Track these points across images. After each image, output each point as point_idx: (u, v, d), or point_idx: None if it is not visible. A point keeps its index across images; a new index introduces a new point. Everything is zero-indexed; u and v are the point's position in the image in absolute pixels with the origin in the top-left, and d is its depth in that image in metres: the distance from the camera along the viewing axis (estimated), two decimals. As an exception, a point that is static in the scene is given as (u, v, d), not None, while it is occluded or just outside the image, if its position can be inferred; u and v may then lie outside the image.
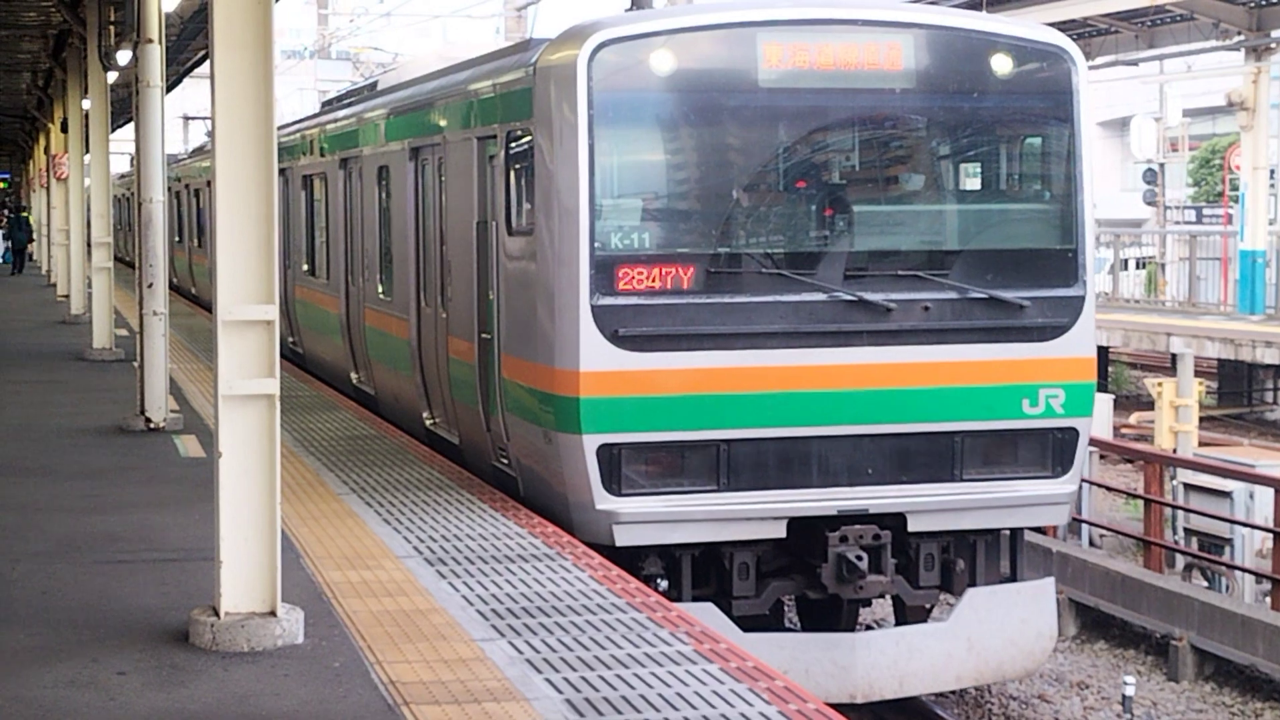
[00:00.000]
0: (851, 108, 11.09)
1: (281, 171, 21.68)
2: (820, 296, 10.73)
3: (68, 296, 29.96)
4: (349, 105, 19.13)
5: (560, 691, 7.06)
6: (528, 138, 11.16)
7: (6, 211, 57.64)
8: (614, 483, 10.48)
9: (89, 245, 23.65)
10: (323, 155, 19.26)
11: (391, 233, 15.46)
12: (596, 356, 10.41)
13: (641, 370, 10.47)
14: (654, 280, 10.52)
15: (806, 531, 10.78)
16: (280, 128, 24.01)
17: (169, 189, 36.66)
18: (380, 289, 16.00)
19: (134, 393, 15.48)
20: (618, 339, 10.41)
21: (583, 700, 6.93)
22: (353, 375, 17.62)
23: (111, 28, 20.74)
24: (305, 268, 20.57)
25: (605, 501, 10.47)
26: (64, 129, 29.99)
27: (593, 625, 8.15)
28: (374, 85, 19.26)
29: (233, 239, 7.74)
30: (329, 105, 21.99)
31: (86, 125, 25.00)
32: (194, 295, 33.35)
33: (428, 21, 62.15)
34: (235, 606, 7.77)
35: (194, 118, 57.67)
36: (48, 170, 36.34)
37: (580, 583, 9.04)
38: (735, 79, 10.90)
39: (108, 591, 8.87)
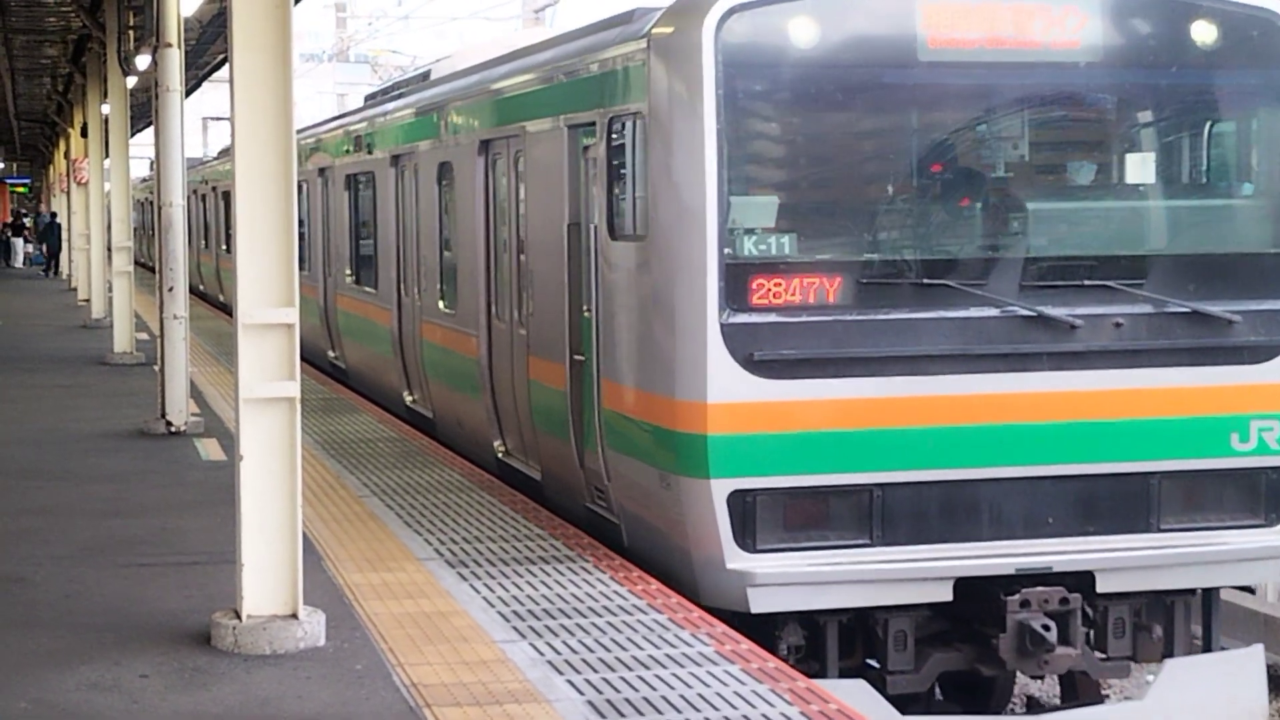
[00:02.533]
0: (1028, 85, 9.50)
1: (321, 171, 20.59)
2: (992, 312, 9.15)
3: (88, 301, 30.05)
4: (399, 98, 17.56)
5: (582, 693, 7.06)
6: (638, 124, 9.61)
7: (37, 216, 57.90)
8: (748, 536, 8.90)
9: (109, 250, 23.71)
10: (370, 153, 17.72)
11: (456, 238, 14.05)
12: (727, 385, 8.84)
13: (780, 401, 8.90)
14: (794, 293, 8.96)
15: (977, 594, 9.08)
16: (319, 124, 23.22)
17: (194, 192, 36.66)
18: (441, 301, 14.48)
19: (155, 396, 15.52)
20: (752, 364, 8.86)
21: (604, 701, 6.93)
22: (406, 395, 16.14)
23: (131, 32, 20.84)
24: (350, 276, 19.04)
25: (738, 559, 8.87)
26: (84, 134, 30.09)
27: (614, 626, 8.15)
28: (426, 75, 17.70)
29: (253, 242, 7.75)
30: (374, 99, 20.40)
31: (106, 130, 25.06)
32: (223, 303, 32.04)
33: (445, 24, 62.18)
34: (257, 609, 7.78)
35: (217, 118, 57.82)
36: (68, 175, 36.47)
37: (601, 584, 9.04)
38: (890, 51, 9.28)
39: (130, 594, 8.89)
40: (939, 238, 9.50)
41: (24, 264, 55.80)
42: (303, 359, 21.12)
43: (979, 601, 9.09)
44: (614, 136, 9.99)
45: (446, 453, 13.77)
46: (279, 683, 7.25)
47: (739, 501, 8.89)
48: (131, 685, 7.23)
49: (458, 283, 13.87)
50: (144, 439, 14.75)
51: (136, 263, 42.64)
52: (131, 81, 22.15)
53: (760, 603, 8.86)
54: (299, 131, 24.08)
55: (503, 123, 12.47)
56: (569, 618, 8.32)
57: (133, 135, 26.78)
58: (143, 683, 7.27)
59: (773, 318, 8.93)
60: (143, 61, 20.05)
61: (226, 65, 8.48)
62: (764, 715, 6.76)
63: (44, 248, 52.80)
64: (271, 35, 7.73)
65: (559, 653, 7.67)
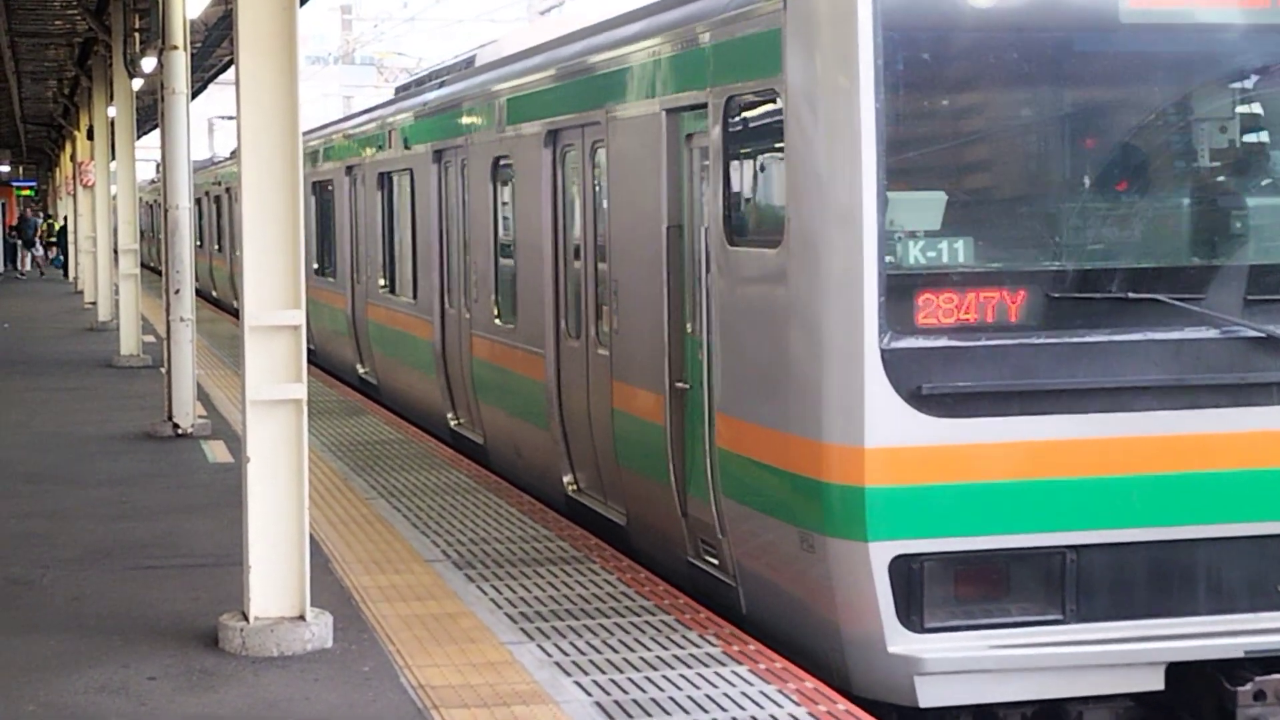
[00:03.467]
0: (1256, 53, 7.79)
1: (349, 169, 19.29)
2: (1210, 333, 7.50)
3: (95, 303, 30.08)
4: (439, 87, 15.99)
5: (590, 694, 7.05)
6: (770, 105, 7.98)
7: (22, 219, 58.02)
8: (914, 612, 7.29)
9: (116, 252, 23.73)
10: (407, 148, 16.16)
11: (515, 242, 12.44)
12: (889, 426, 7.24)
13: (953, 445, 7.31)
14: (970, 310, 7.35)
15: (1196, 682, 7.52)
16: (346, 118, 22.27)
17: (205, 194, 36.44)
18: (495, 314, 13.00)
19: (162, 399, 15.54)
20: (919, 399, 7.25)
21: (612, 703, 6.93)
22: (450, 418, 14.72)
23: (136, 35, 20.87)
24: (382, 284, 17.49)
25: (902, 641, 7.28)
26: (90, 136, 30.11)
27: (621, 628, 8.14)
28: (470, 61, 16.08)
29: (260, 244, 7.76)
30: (407, 90, 18.72)
31: (112, 132, 25.09)
32: (238, 310, 30.79)
33: (451, 26, 62.27)
34: (264, 611, 7.78)
35: (225, 117, 57.86)
36: (74, 178, 36.50)
37: (609, 585, 9.04)
38: (1086, 14, 7.65)
39: (137, 597, 8.89)
40: (1146, 241, 7.82)
41: (31, 267, 55.83)
42: (328, 372, 19.61)
43: (1199, 692, 7.50)
44: (735, 120, 8.41)
45: (453, 454, 13.77)
46: (286, 685, 7.25)
47: (903, 569, 7.27)
48: (139, 688, 7.24)
49: (517, 294, 12.36)
50: (150, 441, 14.76)
51: (145, 266, 42.80)
52: (137, 84, 22.18)
53: (930, 695, 7.31)
54: (323, 127, 23.07)
55: (577, 109, 10.87)
56: (577, 619, 8.31)
57: (139, 138, 26.79)
58: (150, 685, 7.27)
59: (944, 341, 7.32)
60: (148, 64, 20.06)
61: (232, 68, 8.48)
62: (772, 716, 6.76)
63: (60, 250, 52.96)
64: (277, 38, 7.73)
65: (567, 654, 7.67)
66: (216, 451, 14.06)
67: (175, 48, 15.34)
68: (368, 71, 77.87)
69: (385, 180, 17.40)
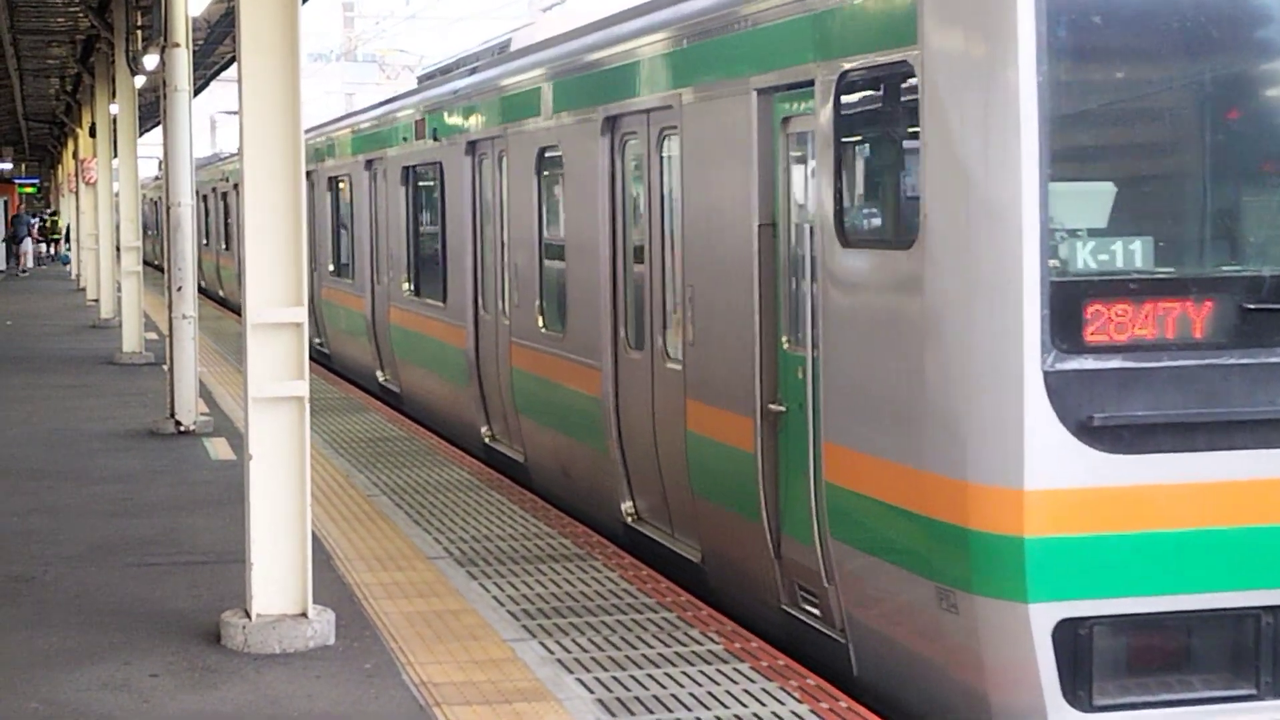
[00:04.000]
0: None
1: (369, 163, 18.38)
2: None
3: (97, 301, 30.11)
4: (470, 74, 14.84)
5: (592, 691, 7.06)
6: (899, 81, 6.87)
7: (15, 216, 58.14)
8: (1080, 687, 6.27)
9: (118, 249, 23.74)
10: (436, 139, 15.02)
11: (565, 241, 11.30)
12: (1053, 464, 6.15)
13: (1130, 487, 6.22)
14: (1147, 325, 6.25)
15: None
16: (366, 110, 20.90)
17: (214, 189, 36.27)
18: (540, 321, 11.87)
19: (164, 396, 15.55)
20: (1089, 432, 6.17)
21: (614, 700, 6.93)
22: (485, 431, 13.68)
23: (139, 32, 20.89)
24: (408, 287, 16.41)
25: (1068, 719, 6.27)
26: (92, 133, 30.12)
27: (623, 625, 8.14)
28: (505, 46, 15.06)
29: (261, 242, 7.76)
30: (432, 79, 17.54)
31: (114, 129, 25.10)
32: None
33: (453, 23, 62.27)
34: (267, 608, 7.79)
35: (229, 112, 57.89)
36: (76, 175, 36.50)
37: (611, 582, 9.04)
38: None
39: (139, 594, 8.90)
40: None
41: (34, 264, 55.90)
42: (346, 379, 19.07)
43: None
44: (848, 100, 7.25)
45: (456, 452, 13.78)
46: (289, 682, 7.26)
47: (1069, 635, 6.21)
48: (142, 684, 7.24)
49: (567, 299, 11.24)
50: (153, 439, 14.77)
51: (148, 264, 42.70)
52: (140, 81, 22.19)
53: None
54: (339, 119, 22.31)
55: (642, 92, 9.70)
56: (579, 616, 8.31)
57: (141, 135, 26.78)
58: (153, 682, 7.27)
59: (1117, 362, 6.19)
60: (151, 61, 20.08)
61: (234, 65, 8.49)
62: (774, 713, 6.76)
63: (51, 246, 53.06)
64: (279, 35, 7.73)
65: (569, 651, 7.67)
66: (219, 449, 14.06)
67: (177, 45, 15.34)
68: (369, 69, 77.91)
69: (410, 175, 16.41)
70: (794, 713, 6.75)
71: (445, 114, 14.81)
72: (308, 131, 22.72)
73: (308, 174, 21.62)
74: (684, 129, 9.04)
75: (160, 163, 20.39)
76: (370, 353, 18.56)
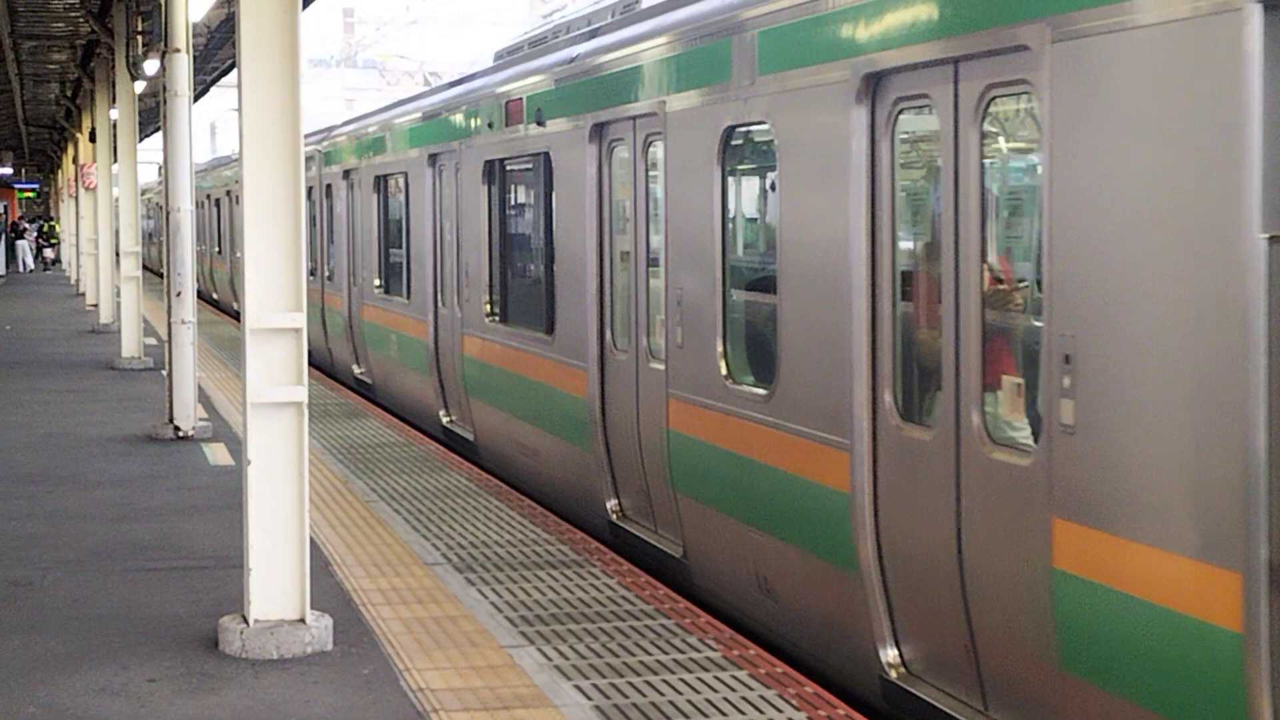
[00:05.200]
0: None
1: (432, 158, 15.62)
2: None
3: (96, 305, 30.12)
4: (590, 37, 11.67)
5: (589, 698, 7.05)
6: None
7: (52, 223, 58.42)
8: None
9: (117, 255, 23.76)
10: (540, 124, 11.86)
11: (780, 250, 8.05)
12: None
13: None
14: None
15: None
16: (422, 94, 18.14)
17: (227, 192, 35.78)
18: (726, 372, 8.81)
19: (163, 401, 15.56)
20: None
21: (612, 707, 6.93)
22: (610, 505, 10.85)
23: (139, 37, 20.89)
24: (491, 311, 13.61)
25: None
26: (92, 139, 30.13)
27: (621, 632, 8.14)
28: (632, 4, 11.80)
29: (261, 247, 7.76)
30: (518, 53, 14.47)
31: (114, 135, 25.11)
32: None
33: (454, 28, 62.29)
34: (264, 614, 7.78)
35: (235, 109, 57.96)
36: (76, 180, 36.50)
37: (609, 589, 9.04)
38: None
39: (137, 599, 8.89)
40: None
41: (33, 267, 56.00)
42: (395, 414, 17.22)
43: None
44: None
45: (454, 458, 13.78)
46: (286, 687, 7.25)
47: None
48: (139, 689, 7.24)
49: (745, 325, 8.93)
50: (152, 444, 14.76)
51: (150, 270, 42.64)
52: (140, 86, 22.19)
53: None
54: (390, 108, 19.43)
55: (955, 30, 6.47)
56: (577, 622, 8.31)
57: (141, 140, 26.79)
58: (150, 687, 7.27)
59: None
60: (151, 66, 20.09)
61: (234, 70, 8.49)
62: (772, 720, 6.76)
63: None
64: (279, 41, 7.74)
65: (567, 657, 7.66)
66: (217, 454, 14.06)
67: (178, 50, 15.35)
68: (370, 74, 77.89)
69: (494, 169, 13.60)
70: (792, 720, 6.75)
71: (558, 92, 11.59)
72: (345, 124, 21.63)
73: (345, 173, 20.27)
74: (1066, 82, 5.85)
75: (160, 168, 20.37)
76: (431, 389, 15.78)
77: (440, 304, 15.49)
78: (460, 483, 12.41)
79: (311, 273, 21.96)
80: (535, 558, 9.81)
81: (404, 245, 16.89)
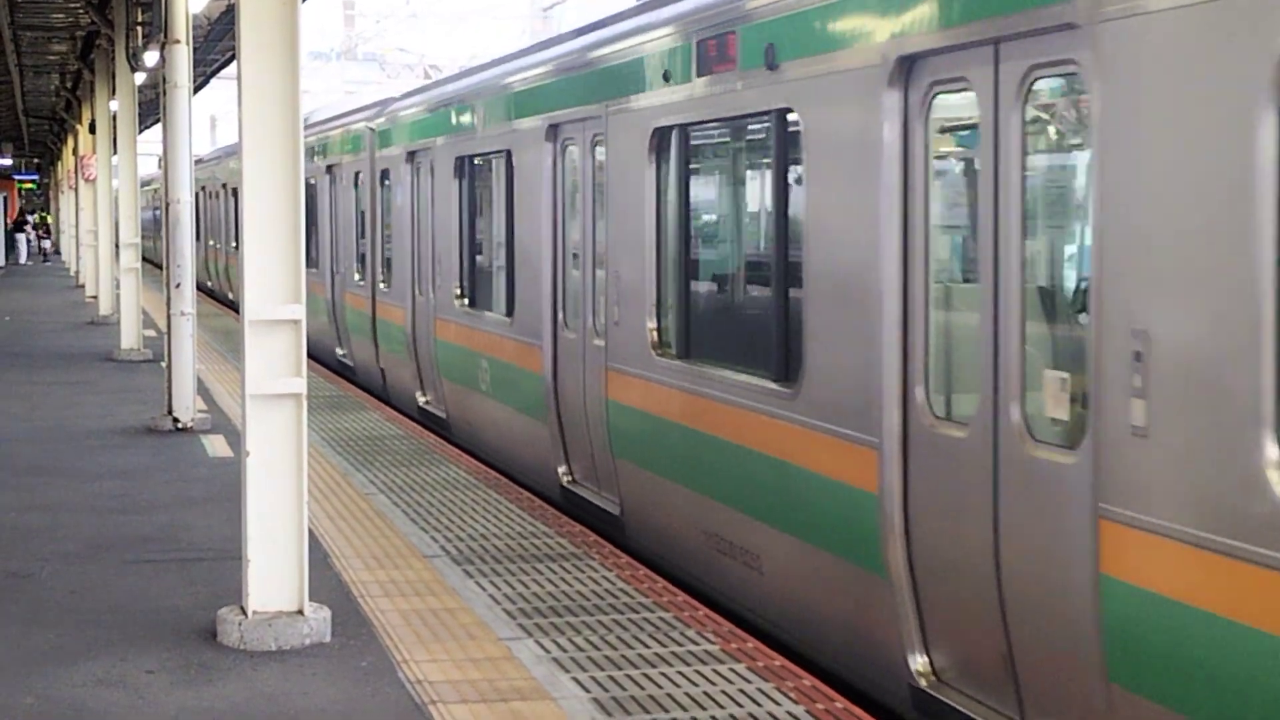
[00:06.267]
0: None
1: (552, 130, 11.84)
2: None
3: (96, 297, 30.12)
4: None
5: (588, 690, 7.06)
6: None
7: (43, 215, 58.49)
8: None
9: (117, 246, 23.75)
10: (772, 67, 8.06)
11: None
12: None
13: None
14: None
15: None
16: (527, 51, 14.06)
17: (224, 184, 35.58)
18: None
19: (162, 393, 15.55)
20: None
21: (610, 699, 6.93)
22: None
23: (139, 29, 20.89)
24: (659, 341, 9.98)
25: None
26: (92, 130, 30.12)
27: (620, 624, 8.14)
28: None
29: (260, 239, 7.76)
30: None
31: (114, 126, 25.10)
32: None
33: (455, 22, 62.28)
34: (263, 605, 7.79)
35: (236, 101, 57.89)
36: (76, 171, 36.49)
37: (607, 582, 9.04)
38: None
39: (136, 591, 8.89)
40: None
41: (29, 259, 56.02)
42: (478, 458, 14.12)
43: None
44: None
45: (454, 450, 13.78)
46: (284, 679, 7.26)
47: None
48: (137, 681, 7.24)
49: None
50: (151, 435, 14.77)
51: (150, 261, 42.52)
52: (140, 78, 22.20)
53: None
54: (482, 68, 15.54)
55: None
56: (575, 615, 8.31)
57: (141, 132, 26.78)
58: (148, 678, 7.27)
59: None
60: (151, 58, 20.09)
61: (234, 62, 8.49)
62: (770, 714, 6.76)
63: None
64: (279, 33, 7.73)
65: (565, 650, 7.67)
66: (216, 446, 14.06)
67: (177, 42, 15.34)
68: (370, 67, 77.81)
69: (673, 141, 9.72)
70: (790, 713, 6.75)
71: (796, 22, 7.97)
72: (408, 95, 18.18)
73: (409, 155, 16.63)
74: None
75: (160, 160, 20.38)
76: (545, 437, 12.17)
77: (563, 326, 11.90)
78: (459, 475, 12.41)
79: (360, 276, 19.70)
80: (534, 550, 9.82)
81: (506, 245, 13.28)
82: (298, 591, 7.82)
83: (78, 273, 41.02)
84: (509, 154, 13.04)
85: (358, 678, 7.26)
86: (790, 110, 8.10)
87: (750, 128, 9.12)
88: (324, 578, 8.87)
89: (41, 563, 9.58)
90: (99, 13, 22.50)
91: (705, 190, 10.10)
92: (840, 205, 7.55)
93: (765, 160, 8.87)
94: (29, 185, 70.74)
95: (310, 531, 8.11)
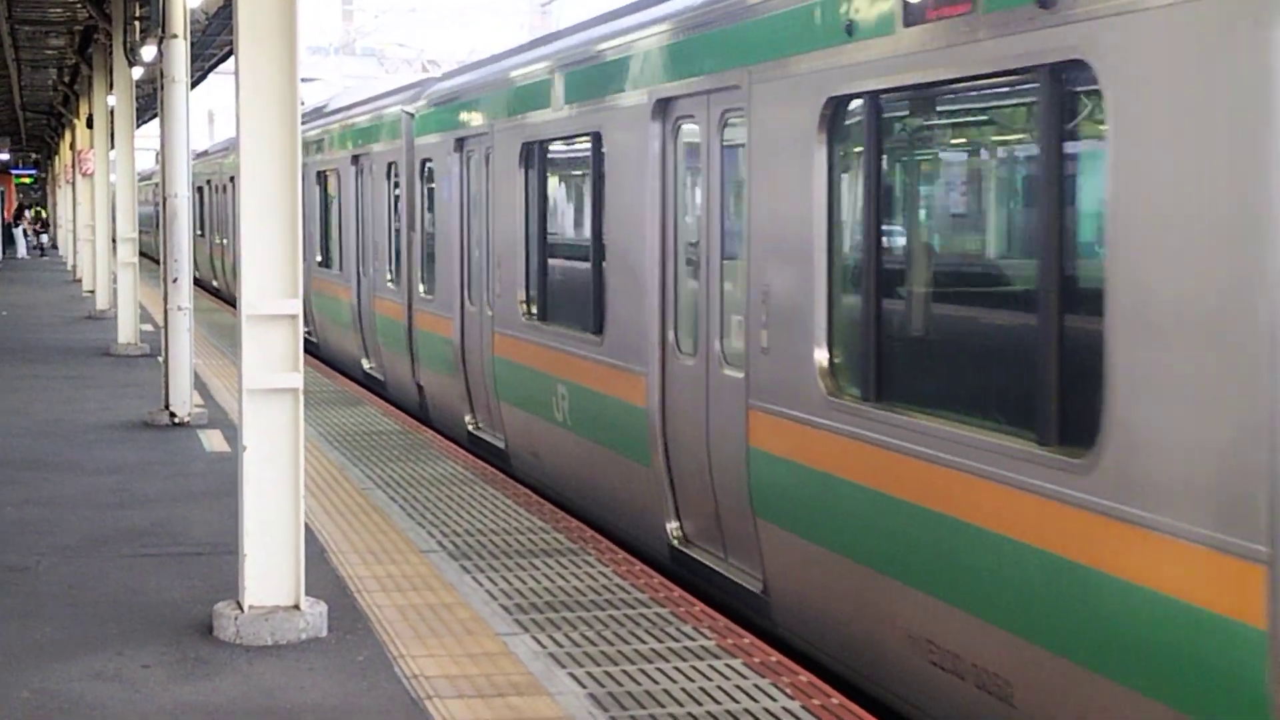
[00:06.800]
0: None
1: (662, 105, 9.93)
2: None
3: (93, 292, 30.11)
4: None
5: (584, 686, 7.06)
6: None
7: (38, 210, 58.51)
8: None
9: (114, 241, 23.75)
10: (1044, 5, 5.86)
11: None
12: None
13: None
14: None
15: None
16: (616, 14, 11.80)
17: (232, 179, 35.38)
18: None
19: (159, 388, 15.55)
20: None
21: (606, 695, 6.93)
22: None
23: (137, 23, 20.88)
24: (838, 388, 7.82)
25: None
26: (90, 125, 30.13)
27: (616, 620, 8.15)
28: None
29: (258, 234, 7.76)
30: None
31: (112, 121, 25.10)
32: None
33: (453, 17, 62.29)
34: (259, 600, 7.79)
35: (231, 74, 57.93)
36: (73, 166, 36.48)
37: (604, 577, 9.04)
38: None
39: (133, 585, 8.90)
40: None
41: (28, 254, 56.06)
42: (555, 502, 11.85)
43: None
44: None
45: (450, 445, 13.77)
46: (281, 673, 7.26)
47: None
48: (134, 675, 7.24)
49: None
50: (148, 430, 14.77)
51: (147, 255, 42.56)
52: (137, 73, 22.17)
53: None
54: (558, 35, 13.79)
55: None
56: (571, 610, 8.32)
57: (139, 126, 26.79)
58: (145, 673, 7.28)
59: None
60: (148, 53, 20.06)
61: (232, 57, 8.49)
62: (766, 709, 6.76)
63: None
64: (277, 28, 7.73)
65: (561, 645, 7.67)
66: (213, 440, 14.07)
67: (175, 36, 15.34)
68: (369, 62, 77.83)
69: (858, 113, 7.67)
70: (785, 709, 6.75)
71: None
72: (454, 73, 16.64)
73: (458, 142, 14.82)
74: None
75: (158, 155, 20.36)
76: (646, 483, 10.31)
77: (674, 349, 10.02)
78: (456, 471, 12.41)
79: (393, 281, 17.68)
80: (530, 546, 9.82)
81: (594, 248, 11.32)
82: (294, 586, 7.83)
83: (75, 267, 41.00)
84: (597, 137, 11.11)
85: (354, 672, 7.26)
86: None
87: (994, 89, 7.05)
88: (321, 573, 8.88)
89: (38, 557, 9.58)
90: (97, 7, 22.49)
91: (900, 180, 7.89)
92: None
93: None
94: (27, 180, 70.70)
95: (307, 526, 8.12)
